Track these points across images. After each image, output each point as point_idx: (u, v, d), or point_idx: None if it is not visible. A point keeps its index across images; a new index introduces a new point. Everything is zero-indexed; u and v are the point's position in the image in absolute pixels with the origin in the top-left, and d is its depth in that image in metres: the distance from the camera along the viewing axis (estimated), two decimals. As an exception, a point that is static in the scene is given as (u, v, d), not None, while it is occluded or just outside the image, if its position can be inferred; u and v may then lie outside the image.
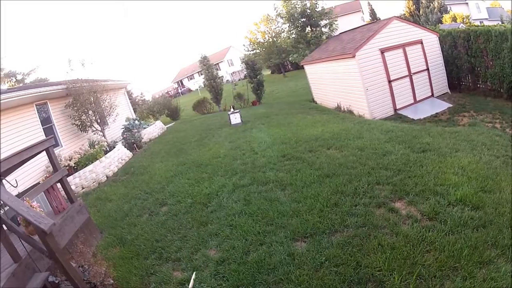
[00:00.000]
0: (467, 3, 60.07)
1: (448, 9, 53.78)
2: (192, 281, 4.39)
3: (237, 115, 15.53)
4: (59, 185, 6.26)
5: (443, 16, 50.34)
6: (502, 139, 8.45)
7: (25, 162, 5.59)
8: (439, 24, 44.02)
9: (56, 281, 4.41)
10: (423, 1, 58.09)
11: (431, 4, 55.21)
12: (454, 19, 47.38)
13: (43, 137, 12.30)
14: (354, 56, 13.41)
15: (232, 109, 16.44)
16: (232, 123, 15.44)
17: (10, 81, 35.50)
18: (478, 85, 14.73)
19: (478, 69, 14.22)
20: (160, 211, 7.06)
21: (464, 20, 46.42)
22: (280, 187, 6.83)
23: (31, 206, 4.88)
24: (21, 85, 33.12)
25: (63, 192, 6.37)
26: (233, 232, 5.42)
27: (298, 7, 28.91)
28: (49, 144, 6.13)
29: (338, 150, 8.58)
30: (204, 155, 10.80)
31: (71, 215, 5.92)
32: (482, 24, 45.80)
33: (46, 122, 13.03)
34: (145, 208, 7.45)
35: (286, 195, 6.37)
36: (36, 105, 12.59)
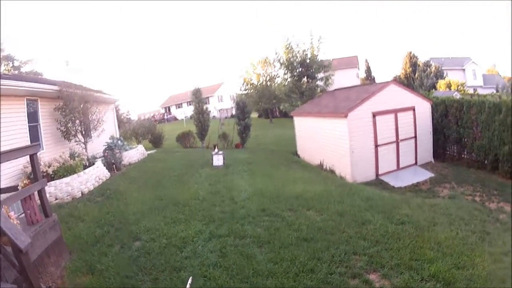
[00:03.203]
0: (464, 69, 62.01)
1: (444, 74, 55.48)
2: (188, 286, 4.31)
3: (220, 157, 15.55)
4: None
5: (438, 82, 51.77)
6: (481, 214, 8.73)
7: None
8: (433, 90, 45.30)
9: None
10: (420, 65, 60.14)
11: (428, 69, 57.09)
12: (448, 85, 48.71)
13: (27, 133, 12.15)
14: (346, 116, 13.53)
15: (216, 150, 16.47)
16: (214, 164, 15.42)
17: (7, 64, 35.18)
18: (463, 155, 15.12)
19: (466, 140, 14.65)
20: (133, 245, 6.93)
21: (459, 87, 47.58)
22: (257, 243, 6.82)
23: (8, 216, 4.74)
24: (16, 72, 32.76)
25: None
26: (206, 284, 5.37)
27: (299, 56, 29.24)
28: (35, 150, 6.10)
29: (318, 212, 8.66)
30: (182, 193, 10.69)
31: (44, 230, 5.79)
32: (476, 91, 47.29)
33: (32, 120, 12.76)
34: (117, 238, 7.29)
35: (263, 254, 6.35)
36: (26, 100, 12.41)
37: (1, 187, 8.40)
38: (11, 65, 35.54)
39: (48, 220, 6.10)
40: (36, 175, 6.05)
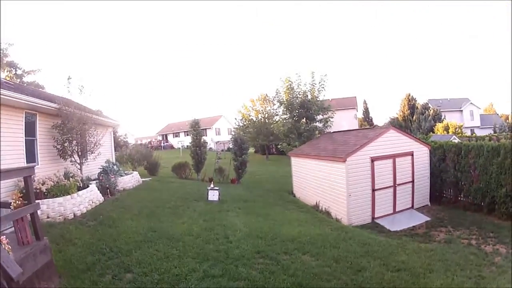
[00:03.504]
0: (461, 111, 62.71)
1: (442, 117, 55.99)
2: None
3: (216, 193, 15.45)
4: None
5: (436, 125, 52.14)
6: (476, 258, 8.63)
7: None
8: (431, 133, 45.62)
9: None
10: (418, 107, 60.82)
11: (426, 112, 57.69)
12: (446, 128, 49.00)
13: (23, 147, 12.09)
14: (344, 161, 13.55)
15: (212, 185, 16.41)
16: (209, 198, 15.30)
17: (10, 71, 35.06)
18: (460, 198, 15.07)
19: (463, 183, 14.63)
20: (125, 277, 6.70)
21: (457, 130, 47.91)
22: (251, 287, 6.61)
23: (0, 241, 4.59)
24: (18, 80, 32.66)
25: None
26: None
27: (299, 97, 29.35)
28: (29, 173, 6.01)
29: (314, 257, 8.48)
30: (176, 227, 10.51)
31: (34, 253, 5.60)
32: (473, 134, 47.60)
33: (30, 134, 12.71)
34: (109, 268, 7.07)
35: (257, 300, 6.14)
36: (25, 113, 12.38)
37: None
38: (13, 72, 35.46)
39: (39, 243, 5.92)
40: (29, 198, 5.92)
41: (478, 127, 61.57)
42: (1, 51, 33.08)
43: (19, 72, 36.03)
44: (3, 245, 4.43)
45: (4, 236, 4.72)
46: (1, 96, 10.26)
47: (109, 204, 12.97)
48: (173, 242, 9.03)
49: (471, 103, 64.99)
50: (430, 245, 10.20)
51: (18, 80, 33.79)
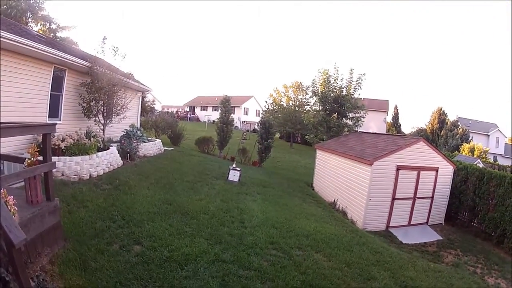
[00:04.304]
0: (488, 135, 61.51)
1: (470, 138, 54.88)
2: None
3: (237, 174, 15.15)
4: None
5: (462, 145, 51.13)
6: None
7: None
8: (457, 152, 44.78)
9: (7, 279, 3.87)
10: (448, 123, 59.69)
11: (455, 129, 56.57)
12: (472, 150, 48.37)
13: (47, 101, 12.07)
14: (371, 164, 13.30)
15: (234, 165, 16.17)
16: (229, 178, 15.01)
17: (44, 25, 34.94)
18: (473, 223, 14.83)
19: (479, 209, 14.34)
20: (133, 249, 6.46)
21: (481, 154, 47.13)
22: (261, 278, 6.31)
23: (6, 200, 4.31)
24: (52, 35, 32.75)
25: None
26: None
27: (335, 91, 28.79)
28: (49, 130, 5.72)
29: (327, 258, 8.18)
30: (192, 203, 10.22)
31: (42, 214, 5.37)
32: (496, 162, 46.49)
33: (56, 89, 12.66)
34: (118, 236, 6.86)
35: (265, 293, 5.83)
36: (54, 67, 12.30)
37: (8, 154, 8.12)
38: (47, 26, 35.24)
39: (49, 204, 5.68)
40: (46, 156, 5.64)
41: (501, 155, 60.05)
42: (37, 4, 33.14)
43: (53, 26, 35.76)
44: (8, 206, 4.17)
45: (12, 197, 4.46)
46: (31, 48, 10.16)
47: (127, 170, 12.80)
48: (188, 218, 8.81)
49: (498, 130, 63.35)
50: (438, 265, 10.13)
51: (52, 34, 33.69)
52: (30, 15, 33.10)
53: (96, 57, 14.28)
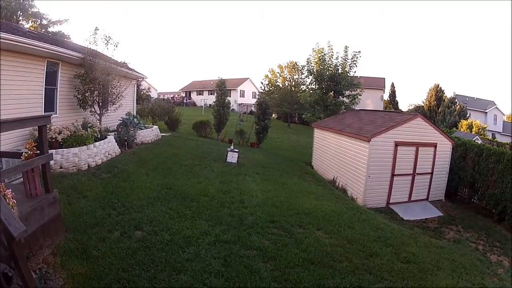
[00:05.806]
0: (486, 113, 61.27)
1: (467, 115, 54.77)
2: None
3: (235, 155, 15.15)
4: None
5: (460, 121, 51.09)
6: (481, 265, 8.58)
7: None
8: (455, 128, 44.77)
9: (10, 274, 3.95)
10: (445, 100, 59.46)
11: (453, 106, 56.42)
12: (470, 127, 48.27)
13: (42, 95, 11.92)
14: (369, 141, 13.26)
15: (232, 146, 16.14)
16: (227, 160, 15.02)
17: (35, 22, 34.91)
18: (473, 200, 14.85)
19: (479, 186, 14.31)
20: (134, 235, 6.52)
21: (480, 130, 47.10)
22: (262, 257, 6.38)
23: (4, 194, 4.30)
24: (43, 31, 32.57)
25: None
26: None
27: (330, 70, 28.56)
28: (44, 122, 5.69)
29: (328, 235, 8.24)
30: (192, 186, 10.27)
31: (41, 206, 5.39)
32: (495, 139, 46.55)
33: (50, 83, 12.53)
34: (118, 223, 6.91)
35: (267, 270, 5.94)
36: (47, 61, 12.16)
37: (6, 150, 8.11)
38: (38, 22, 35.23)
39: (48, 196, 5.68)
40: (43, 148, 5.62)
41: (499, 132, 59.66)
42: (27, 2, 33.10)
43: (44, 22, 35.82)
44: (6, 200, 4.17)
45: (10, 190, 4.46)
46: (22, 45, 10.04)
47: (125, 157, 12.82)
48: (187, 201, 8.87)
49: (496, 107, 62.97)
50: (440, 241, 10.12)
51: (43, 30, 33.54)
52: (21, 14, 33.14)
53: (88, 48, 14.17)
